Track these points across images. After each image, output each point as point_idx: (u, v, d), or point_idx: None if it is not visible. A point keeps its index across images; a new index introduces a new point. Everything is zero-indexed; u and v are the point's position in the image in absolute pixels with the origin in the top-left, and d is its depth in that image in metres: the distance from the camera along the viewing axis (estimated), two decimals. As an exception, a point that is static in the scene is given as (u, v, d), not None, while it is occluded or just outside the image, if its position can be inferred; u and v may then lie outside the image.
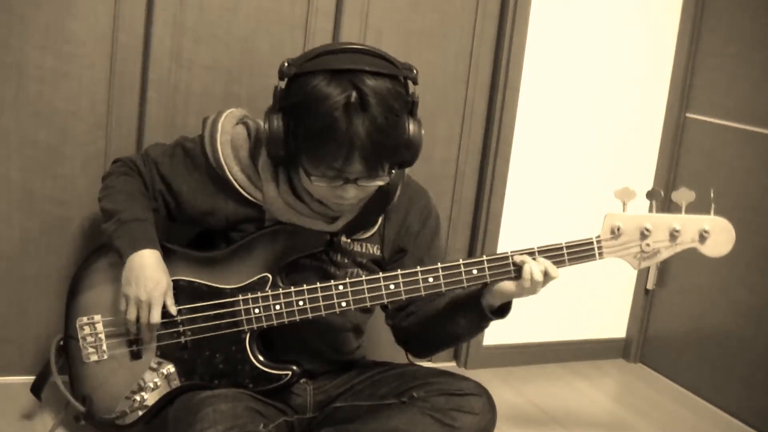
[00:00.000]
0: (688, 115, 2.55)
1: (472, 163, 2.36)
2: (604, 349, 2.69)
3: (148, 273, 1.58)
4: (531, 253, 1.57)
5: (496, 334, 2.48)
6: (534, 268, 1.55)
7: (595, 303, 2.64)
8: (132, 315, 1.61)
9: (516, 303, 1.65)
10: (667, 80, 2.55)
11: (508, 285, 1.58)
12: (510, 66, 2.30)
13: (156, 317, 1.60)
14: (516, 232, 2.41)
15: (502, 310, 1.64)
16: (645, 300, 2.68)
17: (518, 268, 1.57)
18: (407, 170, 1.73)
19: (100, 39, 1.91)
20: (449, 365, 2.47)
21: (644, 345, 2.69)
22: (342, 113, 1.44)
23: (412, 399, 1.62)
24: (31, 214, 1.94)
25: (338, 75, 1.46)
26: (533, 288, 1.56)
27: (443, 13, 2.21)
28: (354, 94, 1.45)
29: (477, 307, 1.63)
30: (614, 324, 2.70)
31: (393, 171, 1.55)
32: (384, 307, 1.75)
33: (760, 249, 2.31)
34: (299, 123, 1.49)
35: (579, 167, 2.46)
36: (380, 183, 1.54)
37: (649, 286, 2.65)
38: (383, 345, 2.10)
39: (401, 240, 1.74)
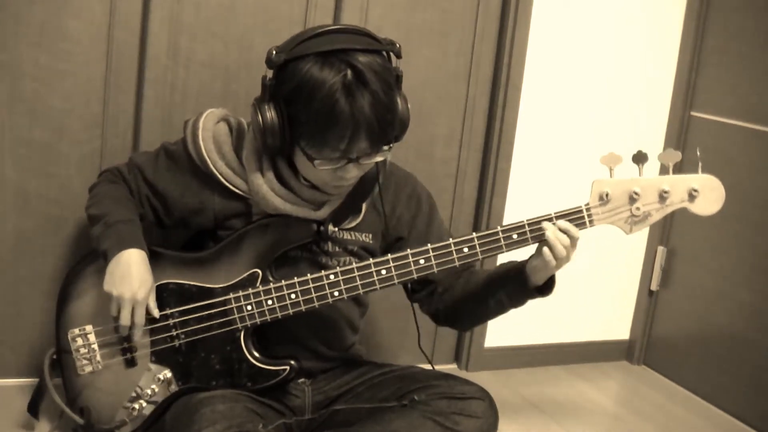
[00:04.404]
0: (693, 113, 2.53)
1: (474, 162, 2.34)
2: (607, 351, 2.67)
3: (134, 272, 1.57)
4: (521, 226, 1.57)
5: (497, 335, 2.46)
6: (550, 230, 1.55)
7: (598, 304, 2.62)
8: (113, 312, 1.59)
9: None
10: (672, 78, 2.54)
11: (538, 262, 1.58)
12: (512, 63, 2.28)
13: (140, 318, 1.59)
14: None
15: (547, 286, 1.64)
16: (649, 301, 2.66)
17: (510, 242, 1.56)
18: (391, 160, 1.74)
19: (96, 36, 1.89)
20: (450, 367, 2.45)
21: (648, 347, 2.67)
22: (342, 94, 1.45)
23: (414, 402, 1.61)
24: (25, 214, 1.92)
25: (329, 56, 1.47)
26: (567, 254, 1.55)
27: (444, 10, 2.19)
28: (349, 72, 1.46)
29: (521, 284, 1.63)
30: (618, 326, 2.68)
31: (391, 146, 1.56)
32: (413, 291, 1.77)
33: (765, 250, 2.29)
34: (298, 110, 1.49)
35: (582, 166, 2.44)
36: (379, 159, 1.55)
37: (653, 287, 2.64)
38: (383, 346, 2.08)
39: (395, 230, 1.74)
